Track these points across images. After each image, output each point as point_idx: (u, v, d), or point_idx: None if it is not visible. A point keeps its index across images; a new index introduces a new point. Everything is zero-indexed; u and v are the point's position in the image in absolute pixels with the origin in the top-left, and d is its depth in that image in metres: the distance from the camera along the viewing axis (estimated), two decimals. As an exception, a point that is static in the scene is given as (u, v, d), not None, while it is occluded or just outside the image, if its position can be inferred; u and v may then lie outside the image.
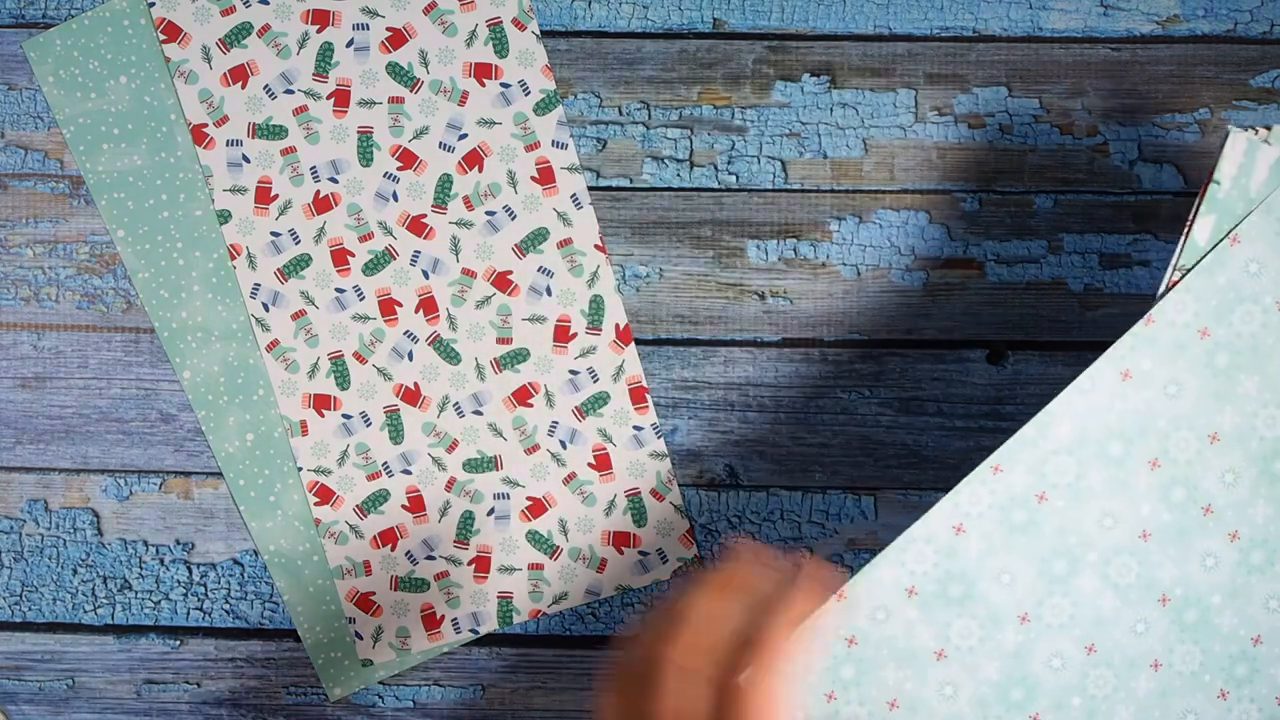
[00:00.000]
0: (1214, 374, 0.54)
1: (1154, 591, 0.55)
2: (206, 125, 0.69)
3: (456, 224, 0.70)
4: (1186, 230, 0.57)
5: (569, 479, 0.71)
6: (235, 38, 0.69)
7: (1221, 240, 0.55)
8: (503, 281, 0.70)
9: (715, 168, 0.70)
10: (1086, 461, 0.54)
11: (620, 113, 0.70)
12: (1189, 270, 0.56)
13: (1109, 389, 0.54)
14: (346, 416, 0.70)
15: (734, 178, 0.70)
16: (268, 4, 0.69)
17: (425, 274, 0.70)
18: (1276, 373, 0.54)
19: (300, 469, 0.70)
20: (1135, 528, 0.54)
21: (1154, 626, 0.55)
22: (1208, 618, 0.55)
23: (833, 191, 0.70)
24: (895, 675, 0.54)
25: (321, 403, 0.70)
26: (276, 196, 0.69)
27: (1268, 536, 0.54)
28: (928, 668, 0.54)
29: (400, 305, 0.70)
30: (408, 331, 0.70)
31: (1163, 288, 0.57)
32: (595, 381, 0.70)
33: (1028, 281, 0.70)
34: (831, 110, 0.70)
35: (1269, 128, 0.57)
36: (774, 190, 0.70)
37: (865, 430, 0.70)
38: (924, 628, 0.54)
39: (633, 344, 0.71)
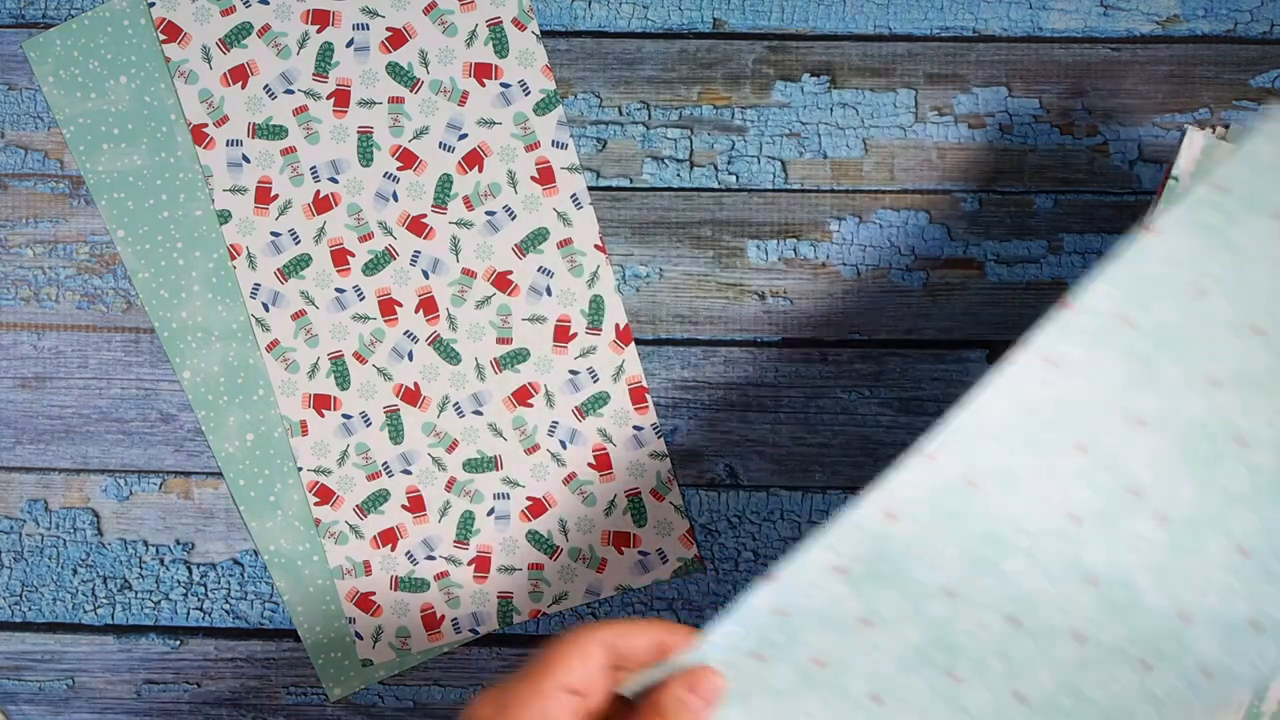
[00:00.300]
0: (1137, 360, 0.54)
1: (1082, 573, 0.55)
2: (206, 125, 0.69)
3: (456, 224, 0.70)
4: (1145, 227, 0.57)
5: (569, 479, 0.71)
6: (235, 38, 0.69)
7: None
8: (503, 281, 0.70)
9: (715, 168, 0.70)
10: (1015, 448, 0.54)
11: (620, 113, 0.70)
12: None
13: (1036, 376, 0.54)
14: (346, 416, 0.70)
15: (734, 178, 0.70)
16: (268, 4, 0.69)
17: (425, 274, 0.70)
18: (1197, 359, 0.54)
19: (300, 469, 0.70)
20: (1064, 512, 0.54)
21: (1081, 605, 0.55)
22: (1136, 598, 0.55)
23: (833, 191, 0.70)
24: (821, 638, 0.54)
25: (321, 403, 0.70)
26: (276, 196, 0.69)
27: (1195, 518, 0.54)
28: (854, 633, 0.54)
29: (400, 305, 0.70)
30: (408, 331, 0.70)
31: None
32: (595, 381, 0.70)
33: (1028, 281, 0.70)
34: (831, 110, 0.70)
35: (1226, 125, 0.57)
36: (774, 190, 0.70)
37: (865, 430, 0.70)
38: (853, 601, 0.54)
39: (633, 344, 0.71)
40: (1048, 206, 0.70)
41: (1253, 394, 0.54)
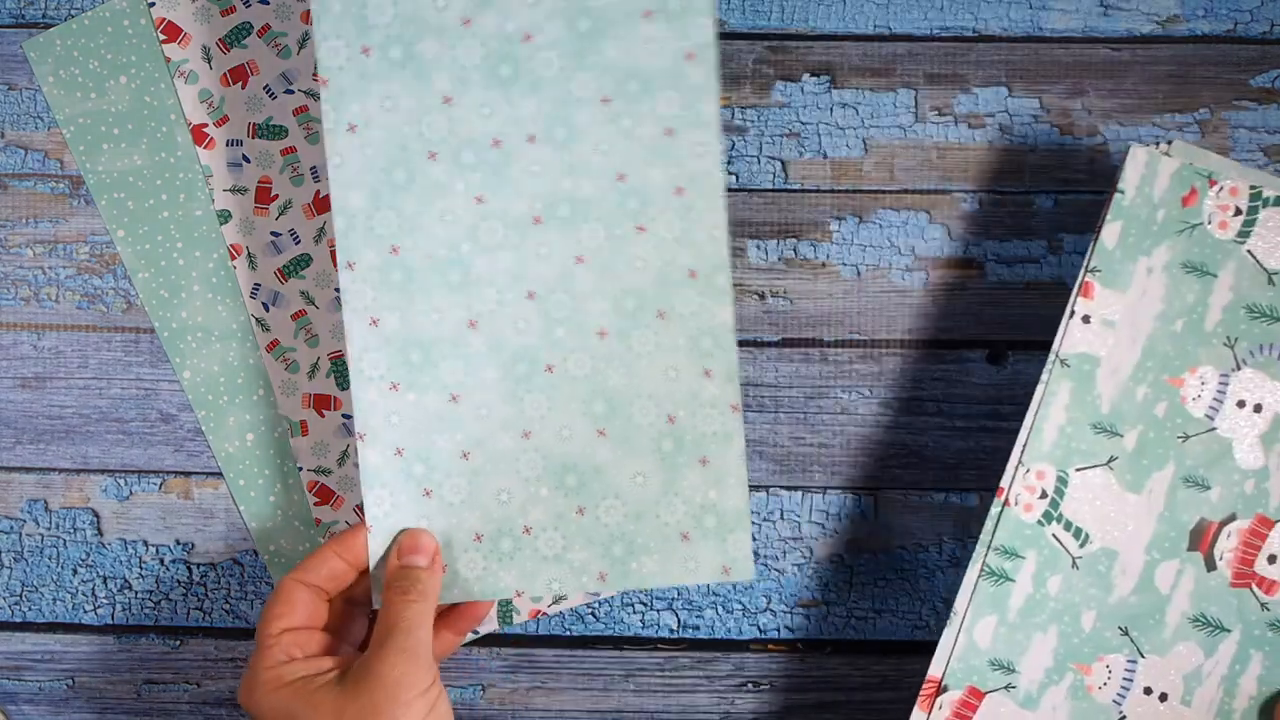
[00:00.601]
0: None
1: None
2: (206, 125, 0.69)
3: (456, 224, 0.70)
4: (1096, 234, 0.61)
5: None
6: (235, 38, 0.69)
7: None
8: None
9: (715, 168, 0.70)
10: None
11: (620, 113, 0.70)
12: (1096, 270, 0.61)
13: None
14: (346, 417, 0.70)
15: (734, 178, 0.70)
16: (268, 4, 0.69)
17: (425, 274, 0.70)
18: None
19: (300, 469, 0.70)
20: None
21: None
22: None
23: (833, 191, 0.70)
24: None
25: (321, 403, 0.70)
26: (276, 196, 0.69)
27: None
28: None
29: (400, 305, 0.70)
30: (408, 331, 0.70)
31: (1075, 289, 0.61)
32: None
33: (1028, 281, 0.70)
34: (831, 110, 0.70)
35: (1170, 142, 0.61)
36: (774, 190, 0.70)
37: (865, 430, 0.70)
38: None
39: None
40: (1048, 206, 0.70)
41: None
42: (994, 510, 0.60)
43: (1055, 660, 0.60)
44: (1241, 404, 0.60)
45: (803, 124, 0.70)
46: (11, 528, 0.72)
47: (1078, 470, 0.60)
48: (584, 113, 0.63)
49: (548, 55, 0.63)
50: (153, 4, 0.69)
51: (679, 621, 0.70)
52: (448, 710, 0.58)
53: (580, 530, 0.64)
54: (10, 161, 0.71)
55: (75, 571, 0.72)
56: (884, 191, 0.70)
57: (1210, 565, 0.60)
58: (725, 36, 0.70)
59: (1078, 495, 0.60)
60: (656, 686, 0.71)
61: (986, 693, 0.60)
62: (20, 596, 0.72)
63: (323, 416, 0.70)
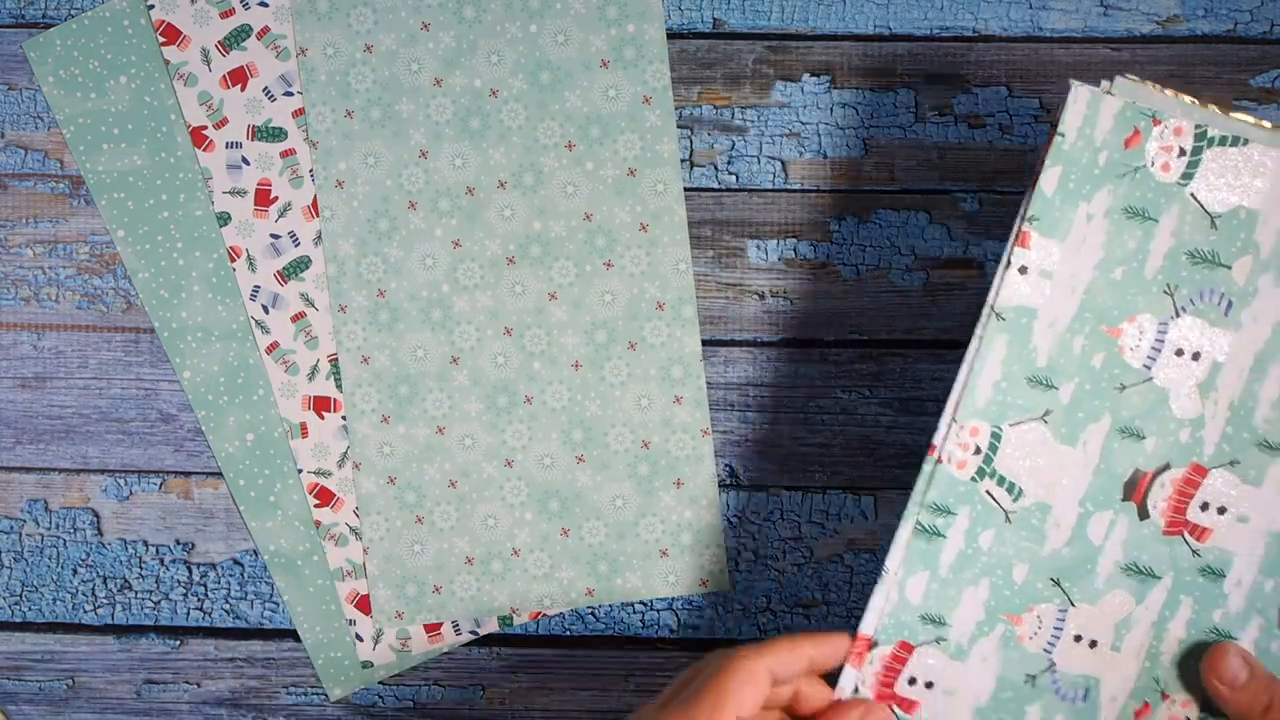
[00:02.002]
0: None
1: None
2: (206, 128, 0.69)
3: (456, 224, 0.70)
4: (1033, 181, 0.58)
5: (569, 479, 0.71)
6: (234, 40, 0.69)
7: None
8: (502, 282, 0.71)
9: (715, 168, 0.70)
10: None
11: (620, 113, 0.70)
12: (1034, 219, 0.58)
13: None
14: (346, 419, 0.70)
15: (734, 178, 0.70)
16: (267, 6, 0.69)
17: (425, 274, 0.70)
18: None
19: (300, 471, 0.70)
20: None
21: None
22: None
23: (833, 191, 0.70)
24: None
25: (321, 405, 0.70)
26: (276, 199, 0.69)
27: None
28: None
29: (400, 306, 0.70)
30: (407, 332, 0.70)
31: (1011, 238, 0.58)
32: (595, 382, 0.71)
33: (1028, 282, 0.70)
34: (831, 110, 0.70)
35: (1111, 79, 0.58)
36: (774, 190, 0.70)
37: (865, 430, 0.70)
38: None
39: (632, 344, 0.71)
40: (1048, 207, 0.69)
41: None
42: (926, 468, 0.59)
43: (986, 612, 0.59)
44: (1180, 352, 0.58)
45: (803, 124, 0.70)
46: (11, 528, 0.72)
47: (1012, 425, 0.58)
48: (550, 158, 0.68)
49: (514, 107, 0.68)
50: (151, 6, 0.69)
51: (679, 621, 0.70)
52: None
53: (566, 550, 0.68)
54: (10, 161, 0.71)
55: (75, 571, 0.72)
56: (884, 191, 0.70)
57: (1143, 515, 0.59)
58: (725, 36, 0.70)
59: (1011, 450, 0.59)
60: (656, 686, 0.71)
61: (916, 646, 0.59)
62: (20, 596, 0.72)
63: (322, 418, 0.70)
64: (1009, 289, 0.58)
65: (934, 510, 0.59)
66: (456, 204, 0.68)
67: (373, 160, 0.69)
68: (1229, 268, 0.58)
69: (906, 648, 0.59)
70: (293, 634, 0.72)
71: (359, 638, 0.71)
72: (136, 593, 0.72)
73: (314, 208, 0.69)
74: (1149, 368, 0.58)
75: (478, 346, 0.69)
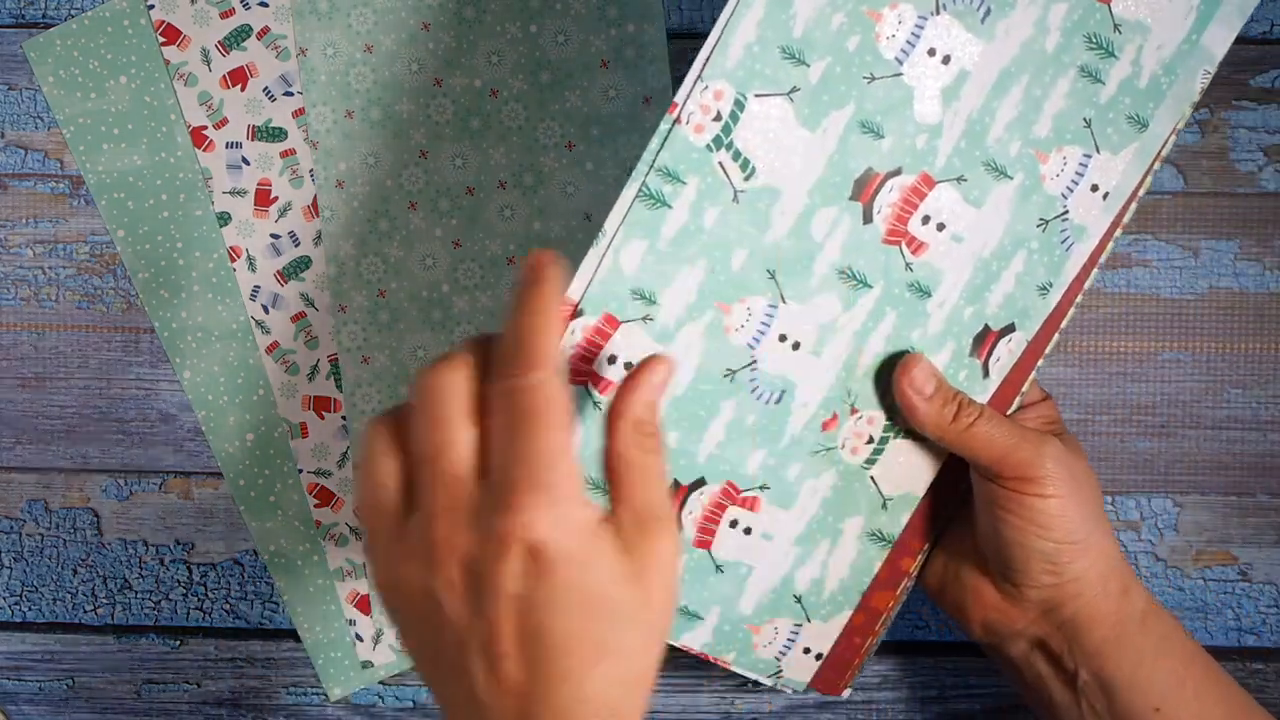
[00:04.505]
0: None
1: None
2: (206, 128, 0.69)
3: (456, 224, 0.70)
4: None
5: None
6: (234, 40, 0.69)
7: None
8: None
9: (715, 168, 0.70)
10: None
11: (620, 113, 0.70)
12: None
13: None
14: (346, 419, 0.70)
15: (734, 178, 0.70)
16: (267, 6, 0.69)
17: (425, 274, 0.70)
18: None
19: (300, 471, 0.70)
20: None
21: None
22: None
23: (832, 192, 0.70)
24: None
25: (321, 405, 0.70)
26: (276, 199, 0.69)
27: None
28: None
29: (400, 306, 0.70)
30: (407, 332, 0.70)
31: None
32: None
33: (1027, 282, 0.69)
34: (831, 110, 0.70)
35: None
36: (774, 190, 0.70)
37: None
38: None
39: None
40: (1047, 207, 0.69)
41: None
42: (663, 126, 0.54)
43: (699, 296, 0.57)
44: (932, 52, 0.56)
45: (802, 124, 0.70)
46: (11, 528, 0.72)
47: (757, 96, 0.55)
48: (550, 158, 0.67)
49: (514, 107, 0.67)
50: (151, 6, 0.69)
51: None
52: None
53: None
54: (10, 161, 0.71)
55: (75, 571, 0.72)
56: (884, 192, 0.70)
57: (867, 218, 0.57)
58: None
59: (752, 124, 0.55)
60: (657, 686, 0.71)
61: (623, 322, 0.56)
62: (20, 596, 0.72)
63: (322, 419, 0.70)
64: None
65: (663, 175, 0.55)
66: (457, 204, 0.68)
67: (373, 160, 0.69)
68: None
69: (612, 322, 0.56)
70: (293, 634, 0.72)
71: (359, 638, 0.71)
72: (136, 593, 0.72)
73: (314, 208, 0.69)
74: (900, 62, 0.56)
75: None
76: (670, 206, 0.55)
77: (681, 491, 0.60)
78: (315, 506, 0.70)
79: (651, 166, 0.55)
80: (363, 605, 0.71)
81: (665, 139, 0.54)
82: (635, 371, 0.52)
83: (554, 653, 0.46)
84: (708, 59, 0.54)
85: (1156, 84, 0.60)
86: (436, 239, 0.69)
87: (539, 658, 0.46)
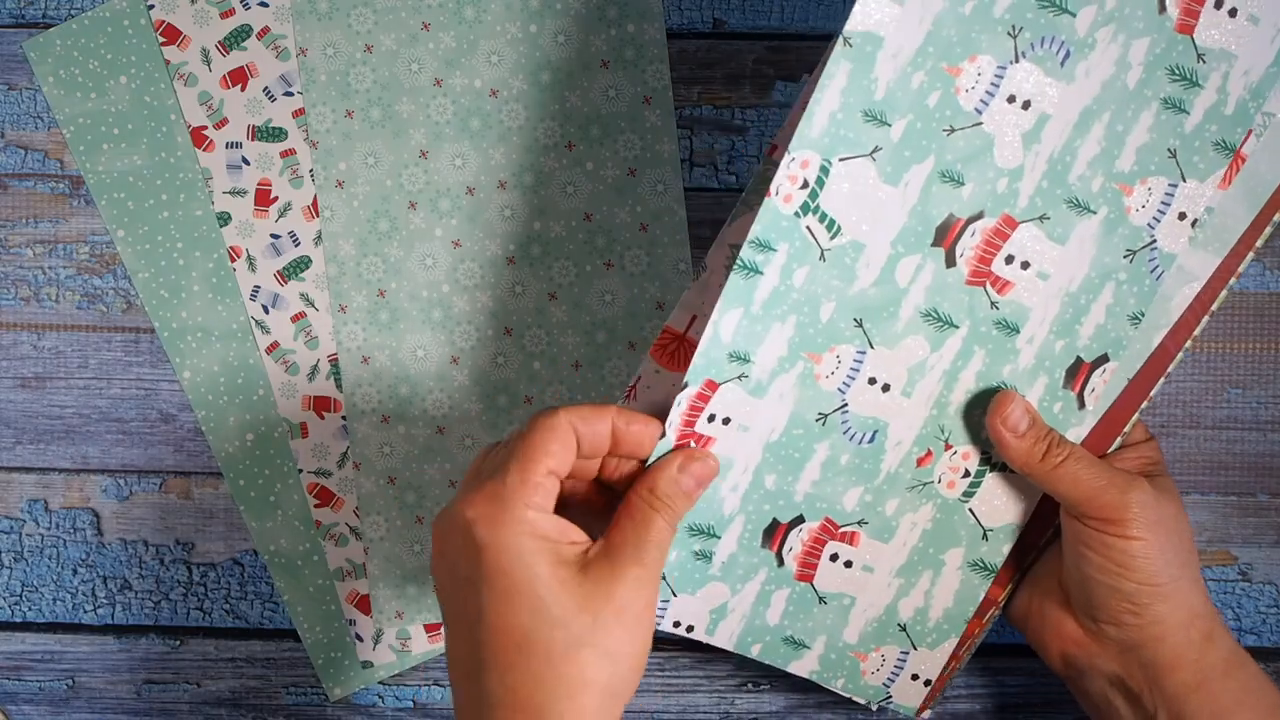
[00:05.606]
0: None
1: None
2: (206, 128, 0.69)
3: (456, 224, 0.70)
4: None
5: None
6: (235, 40, 0.69)
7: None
8: (502, 282, 0.71)
9: (715, 168, 0.70)
10: None
11: (620, 113, 0.70)
12: None
13: None
14: (346, 419, 0.70)
15: (734, 178, 0.70)
16: (267, 6, 0.69)
17: (425, 274, 0.70)
18: None
19: (300, 471, 0.70)
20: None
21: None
22: None
23: (833, 192, 0.70)
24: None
25: (321, 405, 0.70)
26: (276, 199, 0.69)
27: None
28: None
29: (400, 306, 0.71)
30: (407, 332, 0.70)
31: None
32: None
33: (1027, 282, 0.69)
34: (831, 111, 0.70)
35: None
36: (774, 190, 0.70)
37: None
38: None
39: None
40: (1048, 207, 0.69)
41: None
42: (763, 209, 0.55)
43: (789, 349, 0.58)
44: (1012, 99, 0.57)
45: (803, 124, 0.70)
46: (11, 528, 0.72)
47: (841, 160, 0.56)
48: (550, 158, 0.68)
49: (514, 107, 0.68)
50: (151, 6, 0.69)
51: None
52: None
53: None
54: (10, 161, 0.71)
55: (75, 571, 0.72)
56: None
57: (950, 262, 0.59)
58: (725, 36, 0.70)
59: (837, 186, 0.56)
60: (656, 686, 0.71)
61: (721, 384, 0.57)
62: (20, 596, 0.72)
63: (322, 419, 0.70)
64: (861, 12, 0.55)
65: (757, 246, 0.56)
66: (457, 204, 0.68)
67: (373, 160, 0.69)
68: (1074, 15, 0.57)
69: (712, 386, 0.57)
70: (293, 634, 0.72)
71: (359, 638, 0.71)
72: (136, 593, 0.72)
73: (314, 208, 0.69)
74: (980, 111, 0.57)
75: (478, 346, 0.69)
76: (763, 274, 0.56)
77: (781, 530, 0.61)
78: (315, 506, 0.70)
79: (749, 242, 0.56)
80: (363, 605, 0.71)
81: (759, 215, 0.55)
82: (687, 453, 0.56)
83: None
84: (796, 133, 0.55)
85: (1244, 109, 0.60)
86: (436, 239, 0.69)
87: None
